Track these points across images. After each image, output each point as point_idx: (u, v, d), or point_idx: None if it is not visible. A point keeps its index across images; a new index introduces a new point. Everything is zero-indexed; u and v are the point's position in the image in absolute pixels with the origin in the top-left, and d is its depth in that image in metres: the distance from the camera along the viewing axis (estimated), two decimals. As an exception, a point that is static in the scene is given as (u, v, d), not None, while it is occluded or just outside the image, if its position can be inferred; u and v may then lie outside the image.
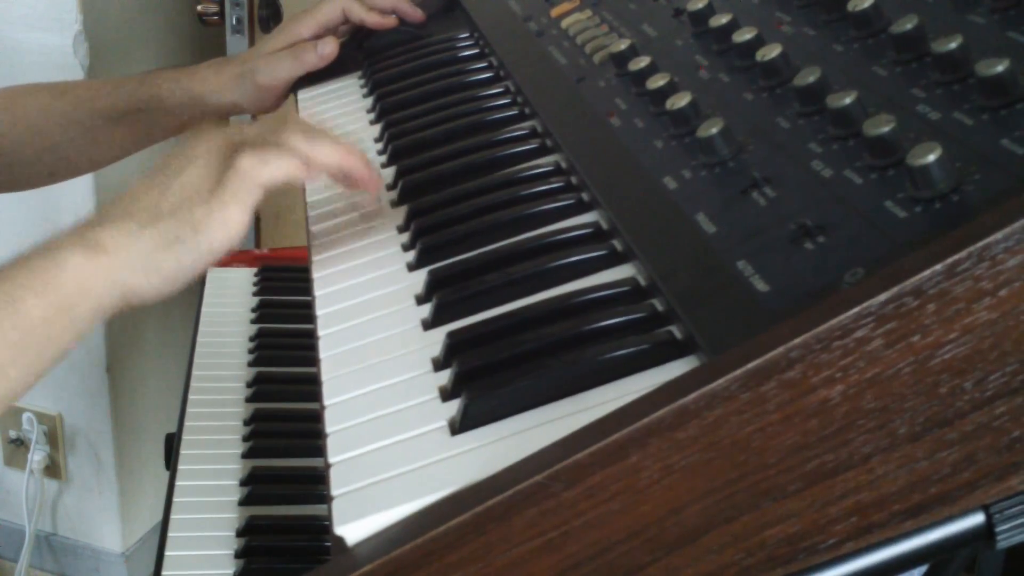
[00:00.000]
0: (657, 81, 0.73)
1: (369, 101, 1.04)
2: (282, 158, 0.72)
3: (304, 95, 1.10)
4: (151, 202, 0.71)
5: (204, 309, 1.33)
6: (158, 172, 0.73)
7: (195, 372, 1.22)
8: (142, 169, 0.74)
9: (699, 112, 0.69)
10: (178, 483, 1.05)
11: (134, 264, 0.69)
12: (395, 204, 0.84)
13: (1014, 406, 0.48)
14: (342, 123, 1.02)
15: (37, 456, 2.04)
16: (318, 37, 1.11)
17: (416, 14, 1.15)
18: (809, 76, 0.63)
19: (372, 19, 1.12)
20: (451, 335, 0.64)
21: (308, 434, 1.11)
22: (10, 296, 0.66)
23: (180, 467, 1.07)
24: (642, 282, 0.63)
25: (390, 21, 1.13)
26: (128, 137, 1.12)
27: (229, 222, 0.70)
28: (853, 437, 0.48)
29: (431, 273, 0.71)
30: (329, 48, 1.08)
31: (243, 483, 1.05)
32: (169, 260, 0.69)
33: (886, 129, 0.55)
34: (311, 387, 1.17)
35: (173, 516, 1.01)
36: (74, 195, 1.84)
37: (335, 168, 0.76)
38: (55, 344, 0.68)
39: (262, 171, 0.71)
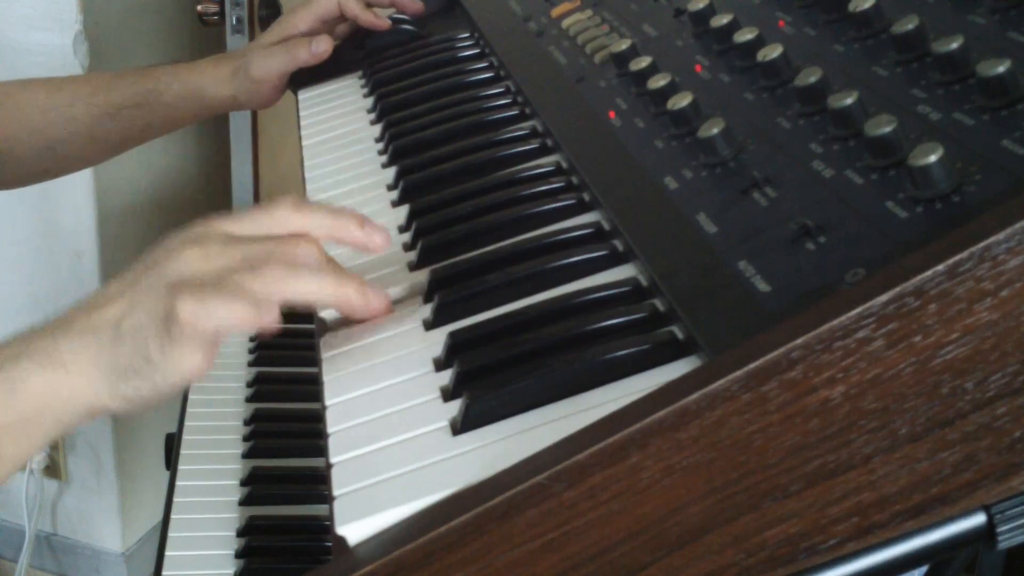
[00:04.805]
0: (658, 81, 0.73)
1: (369, 101, 1.04)
2: (226, 304, 0.62)
3: (304, 95, 1.10)
4: (115, 317, 0.64)
5: (204, 309, 1.33)
6: (131, 281, 0.65)
7: (195, 372, 1.22)
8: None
9: (700, 112, 0.69)
10: (178, 483, 1.05)
11: (95, 385, 0.64)
12: (396, 204, 0.84)
13: (1015, 406, 0.48)
14: (342, 123, 1.02)
15: (37, 456, 2.04)
16: (314, 31, 1.11)
17: (415, 6, 1.15)
18: (810, 76, 0.63)
19: (365, 17, 1.12)
20: (452, 335, 0.64)
21: (308, 434, 1.12)
22: None
23: (180, 467, 1.07)
24: (643, 282, 0.63)
25: (383, 23, 1.13)
26: (126, 132, 1.12)
27: (183, 364, 0.63)
28: (854, 437, 0.48)
29: (432, 273, 0.71)
30: (323, 47, 1.08)
31: (243, 483, 1.05)
32: (128, 389, 0.64)
33: (887, 129, 0.55)
34: (311, 387, 1.17)
35: (173, 516, 1.01)
36: (74, 195, 1.84)
37: (318, 305, 0.68)
38: (12, 457, 0.64)
39: (204, 321, 0.62)
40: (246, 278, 0.64)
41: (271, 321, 0.64)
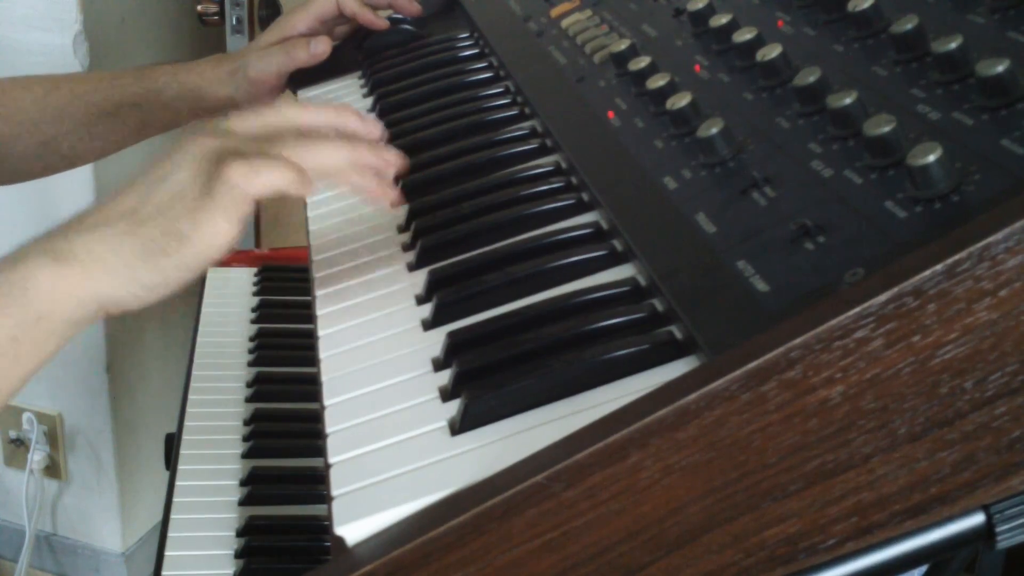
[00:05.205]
0: (657, 81, 0.73)
1: (369, 101, 1.04)
2: (274, 168, 0.66)
3: (304, 95, 1.10)
4: (131, 207, 0.66)
5: (204, 309, 1.33)
6: (140, 177, 0.68)
7: (195, 372, 1.22)
8: (140, 163, 0.70)
9: (699, 112, 0.69)
10: (178, 483, 1.05)
11: (112, 273, 0.64)
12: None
13: (1014, 406, 0.48)
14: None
15: (37, 456, 2.04)
16: (313, 31, 1.11)
17: (413, 7, 1.15)
18: (809, 76, 0.63)
19: (364, 15, 1.12)
20: (451, 335, 0.64)
21: (308, 434, 1.11)
22: None
23: (180, 467, 1.07)
24: (642, 282, 0.63)
25: (381, 23, 1.13)
26: (124, 131, 1.12)
27: (216, 234, 0.65)
28: (853, 437, 0.48)
29: (431, 273, 0.71)
30: (321, 47, 1.09)
31: (243, 483, 1.05)
32: (150, 270, 0.64)
33: (886, 129, 0.55)
34: (311, 387, 1.17)
35: (173, 516, 1.01)
36: (74, 192, 1.83)
37: (337, 176, 0.72)
38: (23, 362, 0.63)
39: (253, 181, 0.65)
40: (286, 146, 0.68)
41: (311, 188, 0.68)
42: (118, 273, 0.64)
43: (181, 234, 0.64)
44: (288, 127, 0.71)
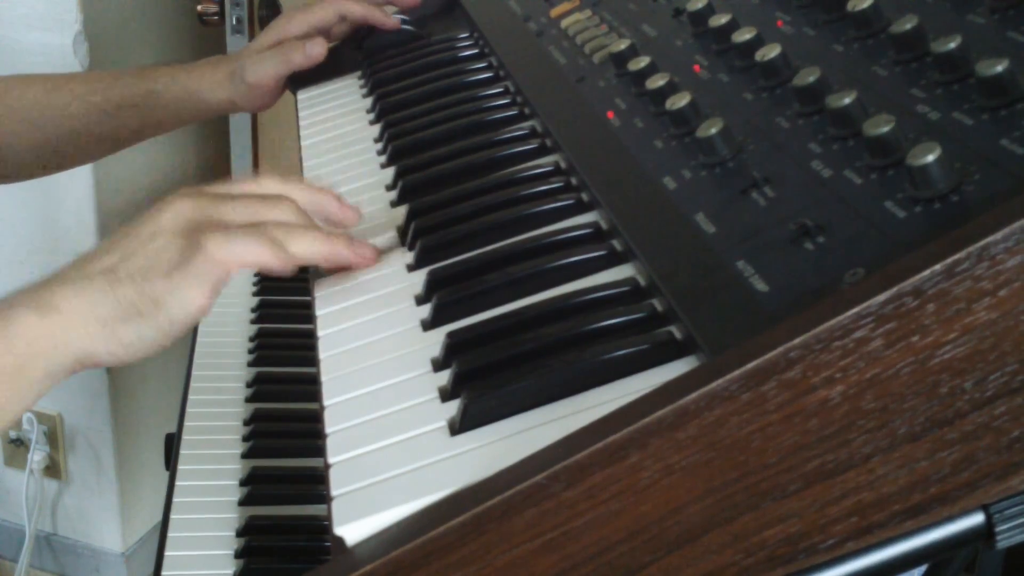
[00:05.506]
0: (657, 81, 0.73)
1: (369, 101, 1.04)
2: (252, 243, 0.67)
3: (304, 95, 1.10)
4: (110, 266, 0.67)
5: (204, 309, 1.33)
6: (121, 237, 0.69)
7: (195, 372, 1.22)
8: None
9: (699, 112, 0.69)
10: (178, 483, 1.05)
11: (89, 328, 0.65)
12: (395, 204, 0.84)
13: (1014, 406, 0.48)
14: (341, 123, 1.02)
15: (37, 456, 2.04)
16: (309, 36, 1.11)
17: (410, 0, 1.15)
18: (809, 76, 0.63)
19: (374, 16, 1.12)
20: (451, 335, 0.64)
21: (308, 434, 1.12)
22: None
23: (180, 467, 1.07)
24: (642, 282, 0.63)
25: (392, 22, 1.12)
26: (124, 131, 1.12)
27: (189, 301, 0.66)
28: (853, 437, 0.48)
29: (431, 273, 0.71)
30: (317, 50, 1.08)
31: (243, 483, 1.05)
32: (129, 332, 0.65)
33: (886, 129, 0.55)
34: (311, 387, 1.17)
35: (173, 516, 1.01)
36: (75, 194, 1.84)
37: (314, 262, 0.73)
38: (2, 411, 0.64)
39: (229, 254, 0.67)
40: (269, 227, 0.69)
41: (288, 265, 0.69)
42: (95, 329, 0.65)
43: (156, 298, 0.66)
44: (258, 204, 0.71)
